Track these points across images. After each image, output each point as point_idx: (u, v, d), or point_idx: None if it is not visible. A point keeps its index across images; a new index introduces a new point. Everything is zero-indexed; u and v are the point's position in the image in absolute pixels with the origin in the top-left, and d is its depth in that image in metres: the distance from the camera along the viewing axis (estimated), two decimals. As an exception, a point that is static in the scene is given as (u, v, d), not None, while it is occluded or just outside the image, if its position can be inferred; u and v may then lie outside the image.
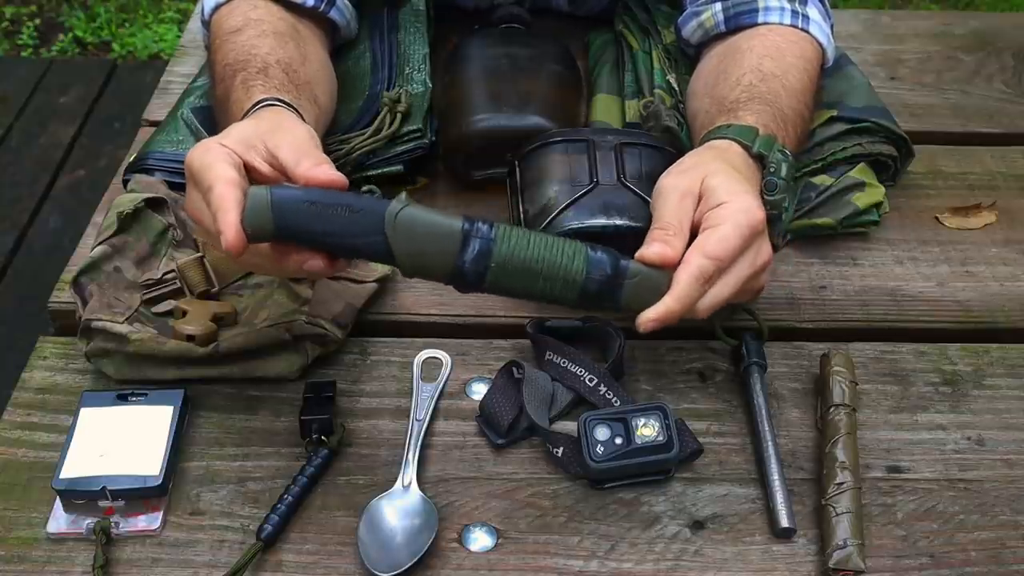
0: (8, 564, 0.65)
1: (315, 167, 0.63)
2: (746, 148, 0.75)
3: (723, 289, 0.67)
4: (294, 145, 0.65)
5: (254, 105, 0.75)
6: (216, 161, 0.63)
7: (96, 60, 2.62)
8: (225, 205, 0.60)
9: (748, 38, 0.89)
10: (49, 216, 2.11)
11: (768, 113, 0.79)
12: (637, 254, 0.66)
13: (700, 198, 0.69)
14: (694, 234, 0.68)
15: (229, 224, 0.60)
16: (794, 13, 0.89)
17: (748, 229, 0.67)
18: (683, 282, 0.64)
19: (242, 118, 0.74)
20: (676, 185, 0.70)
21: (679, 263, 0.66)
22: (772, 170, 0.74)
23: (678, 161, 0.75)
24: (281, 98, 0.76)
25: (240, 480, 0.70)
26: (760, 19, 0.90)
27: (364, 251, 0.63)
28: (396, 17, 1.05)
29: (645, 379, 0.78)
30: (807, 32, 0.89)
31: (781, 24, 0.89)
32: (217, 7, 0.90)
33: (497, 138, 0.87)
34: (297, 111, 0.76)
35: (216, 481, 0.70)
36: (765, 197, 0.73)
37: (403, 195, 0.63)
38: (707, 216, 0.67)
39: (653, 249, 0.66)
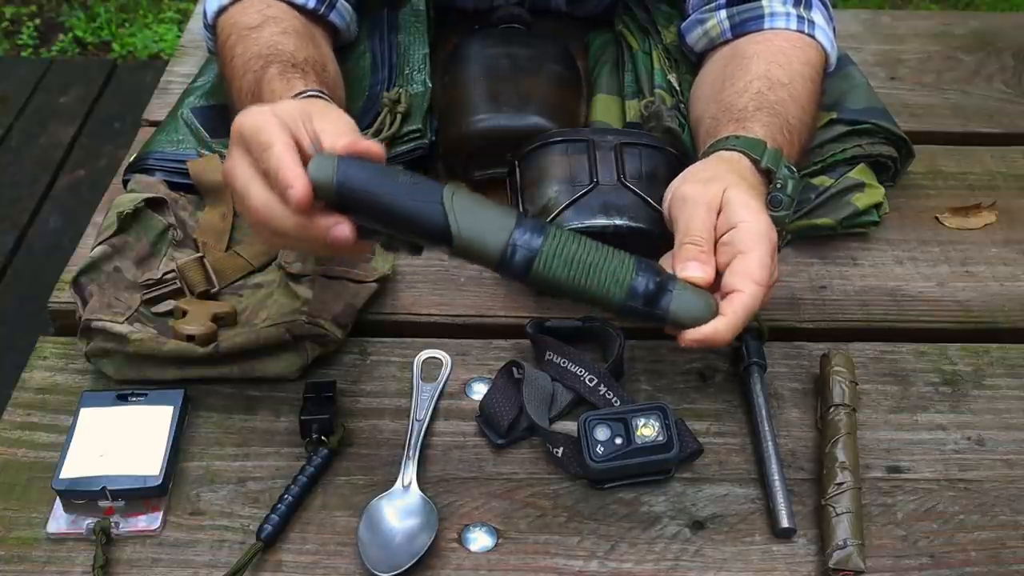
0: (8, 564, 0.65)
1: (356, 141, 0.62)
2: (754, 162, 0.75)
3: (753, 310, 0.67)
4: (337, 133, 0.63)
5: (297, 95, 0.75)
6: (270, 123, 0.61)
7: (96, 60, 2.62)
8: (287, 161, 0.59)
9: (754, 43, 0.88)
10: (49, 216, 2.11)
11: (776, 125, 0.78)
12: (679, 272, 0.66)
13: (719, 210, 0.69)
14: None
15: (297, 175, 0.58)
16: (800, 19, 0.89)
17: (771, 250, 0.67)
18: (739, 314, 0.65)
19: None
20: (701, 198, 0.69)
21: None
22: (779, 186, 0.75)
23: (694, 168, 0.74)
24: (323, 91, 0.76)
25: (240, 480, 0.70)
26: (766, 25, 0.89)
27: (419, 219, 0.61)
28: (396, 18, 1.05)
29: (645, 379, 0.78)
30: (812, 37, 0.89)
31: (787, 29, 0.89)
32: (222, 8, 0.89)
33: (497, 138, 0.87)
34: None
35: (216, 481, 0.70)
36: (769, 212, 0.72)
37: (462, 184, 0.64)
38: (731, 238, 0.67)
39: (695, 271, 0.66)
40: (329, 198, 0.60)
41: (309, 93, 0.75)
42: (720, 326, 0.64)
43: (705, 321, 0.65)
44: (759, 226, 0.67)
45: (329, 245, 0.61)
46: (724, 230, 0.68)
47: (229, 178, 0.63)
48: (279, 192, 0.59)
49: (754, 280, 0.65)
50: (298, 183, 0.58)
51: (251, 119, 0.61)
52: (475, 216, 0.62)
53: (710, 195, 0.69)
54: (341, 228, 0.60)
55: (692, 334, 0.65)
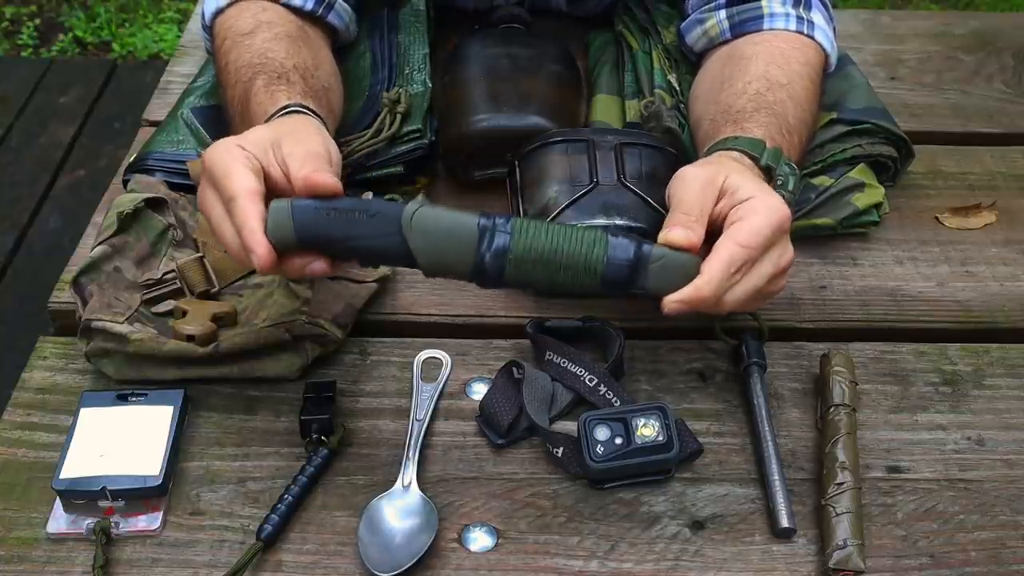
0: (8, 564, 0.65)
1: (313, 172, 0.63)
2: (755, 160, 0.75)
3: (749, 283, 0.66)
4: (304, 157, 0.65)
5: (280, 110, 0.76)
6: (235, 164, 0.63)
7: (96, 60, 2.62)
8: (250, 222, 0.61)
9: (753, 43, 0.88)
10: (49, 216, 2.11)
11: (775, 125, 0.78)
12: (660, 237, 0.66)
13: (722, 194, 0.68)
14: (712, 230, 0.67)
15: (259, 243, 0.61)
16: (799, 19, 0.89)
17: (777, 225, 0.67)
18: (715, 268, 0.64)
19: (266, 121, 0.75)
20: (699, 174, 0.70)
21: (704, 251, 0.66)
22: (780, 183, 0.75)
23: (696, 162, 0.75)
24: (306, 104, 0.77)
25: (240, 480, 0.70)
26: (765, 26, 0.89)
27: (383, 254, 0.63)
28: (396, 17, 1.05)
29: (645, 379, 0.78)
30: (812, 38, 0.89)
31: (787, 30, 0.89)
32: (220, 10, 0.89)
33: (497, 138, 0.87)
34: (320, 118, 0.77)
35: (216, 481, 0.70)
36: None
37: (420, 197, 0.64)
38: (736, 209, 0.67)
39: (678, 233, 0.65)
40: (294, 250, 0.63)
41: (291, 107, 0.76)
42: (700, 283, 0.64)
43: (685, 283, 0.64)
44: (768, 200, 0.67)
45: (308, 277, 0.63)
46: (731, 207, 0.67)
47: (203, 211, 0.66)
48: (246, 254, 0.62)
49: (736, 241, 0.65)
50: (259, 250, 0.61)
51: (219, 158, 0.64)
52: (437, 239, 0.63)
53: (707, 174, 0.69)
54: (316, 265, 0.64)
55: (672, 297, 0.64)
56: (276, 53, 0.83)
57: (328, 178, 0.63)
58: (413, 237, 0.62)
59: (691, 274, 0.65)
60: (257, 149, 0.65)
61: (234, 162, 0.63)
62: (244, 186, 0.62)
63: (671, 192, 0.71)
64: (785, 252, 0.69)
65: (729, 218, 0.67)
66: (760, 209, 0.66)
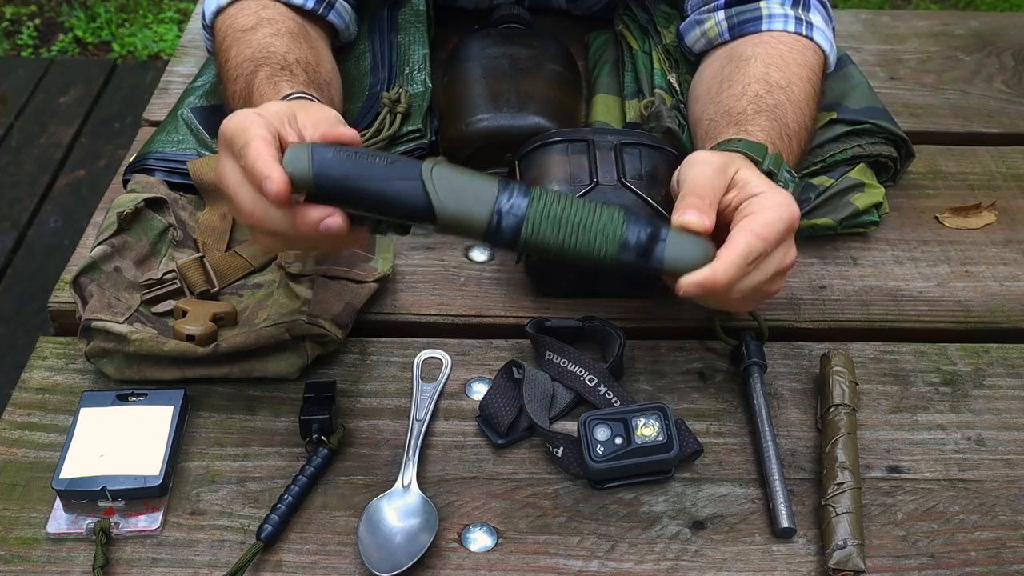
0: (8, 564, 0.65)
1: (329, 128, 0.63)
2: (756, 163, 0.75)
3: (756, 277, 0.66)
4: (315, 124, 0.64)
5: (283, 98, 0.75)
6: (253, 125, 0.62)
7: (96, 60, 2.62)
8: (263, 155, 0.59)
9: (752, 44, 0.88)
10: (49, 216, 2.11)
11: (775, 129, 0.78)
12: (674, 219, 0.65)
13: (732, 185, 0.68)
14: (719, 221, 0.67)
15: (272, 167, 0.58)
16: (798, 20, 0.89)
17: (789, 221, 0.66)
18: (733, 255, 0.63)
19: None
20: (711, 159, 0.69)
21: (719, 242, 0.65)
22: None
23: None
24: (309, 93, 0.77)
25: (240, 480, 0.70)
26: (764, 27, 0.89)
27: (402, 200, 0.61)
28: (396, 17, 1.05)
29: (645, 379, 0.78)
30: (811, 39, 0.89)
31: (785, 31, 0.89)
32: (221, 9, 0.90)
33: (497, 138, 0.87)
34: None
35: (216, 481, 0.70)
36: None
37: (440, 157, 0.63)
38: (748, 203, 0.67)
39: (692, 216, 0.65)
40: (308, 188, 0.60)
41: (295, 95, 0.76)
42: (718, 267, 0.63)
43: (701, 266, 0.63)
44: (778, 196, 0.67)
45: (323, 238, 0.61)
46: (741, 200, 0.67)
47: (221, 183, 0.64)
48: (258, 187, 0.59)
49: (754, 232, 0.64)
50: (274, 174, 0.58)
51: (235, 121, 0.62)
52: (457, 188, 0.61)
53: (720, 161, 0.69)
54: (332, 219, 0.60)
55: (689, 278, 0.63)
56: (278, 48, 0.83)
57: (346, 129, 0.62)
58: (432, 183, 0.61)
59: (706, 256, 0.64)
60: (274, 117, 0.64)
61: (252, 123, 0.62)
62: (258, 134, 0.60)
63: (681, 174, 0.70)
64: (789, 251, 0.68)
65: (741, 211, 0.67)
66: (772, 205, 0.66)
